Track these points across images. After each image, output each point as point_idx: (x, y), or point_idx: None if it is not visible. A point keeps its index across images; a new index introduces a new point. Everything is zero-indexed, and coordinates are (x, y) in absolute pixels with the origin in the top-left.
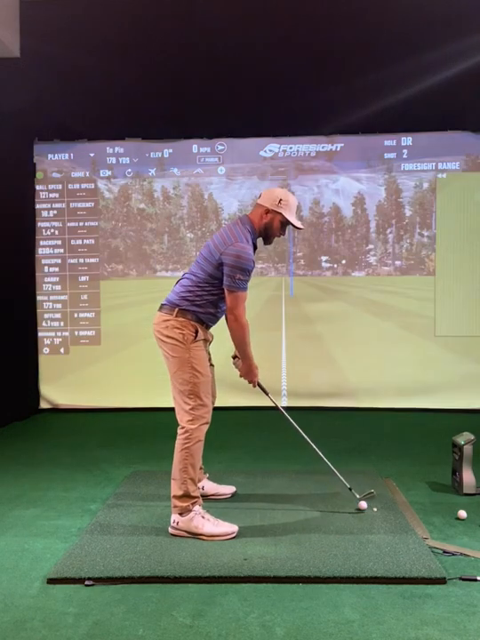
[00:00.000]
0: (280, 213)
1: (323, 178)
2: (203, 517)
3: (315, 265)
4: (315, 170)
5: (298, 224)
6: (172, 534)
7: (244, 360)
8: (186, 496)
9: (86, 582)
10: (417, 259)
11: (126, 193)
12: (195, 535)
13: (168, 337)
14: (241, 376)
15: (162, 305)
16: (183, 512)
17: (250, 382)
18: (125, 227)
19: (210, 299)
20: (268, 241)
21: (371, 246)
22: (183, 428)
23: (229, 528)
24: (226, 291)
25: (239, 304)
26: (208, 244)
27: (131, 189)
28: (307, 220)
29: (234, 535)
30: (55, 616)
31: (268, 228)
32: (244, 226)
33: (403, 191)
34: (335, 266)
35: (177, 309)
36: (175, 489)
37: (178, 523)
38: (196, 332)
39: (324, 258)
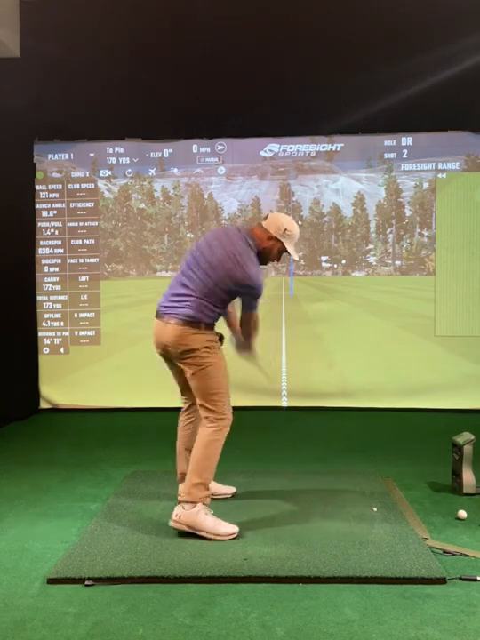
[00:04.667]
0: (281, 242)
1: (323, 178)
2: (206, 514)
3: (315, 265)
4: (315, 170)
5: (296, 257)
6: (174, 527)
7: (247, 346)
8: (204, 485)
9: (86, 582)
10: (417, 258)
11: (126, 193)
12: (196, 530)
13: (198, 348)
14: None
15: (174, 317)
16: (194, 502)
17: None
18: (125, 226)
19: (212, 307)
20: (262, 262)
21: (371, 246)
22: (214, 423)
23: (230, 528)
24: (246, 312)
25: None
26: (209, 260)
27: (131, 189)
28: (306, 220)
29: (234, 536)
30: (55, 616)
31: (268, 252)
32: (248, 245)
33: (403, 191)
34: (335, 266)
35: (196, 321)
36: (194, 477)
37: (180, 516)
38: (219, 337)
39: (323, 258)
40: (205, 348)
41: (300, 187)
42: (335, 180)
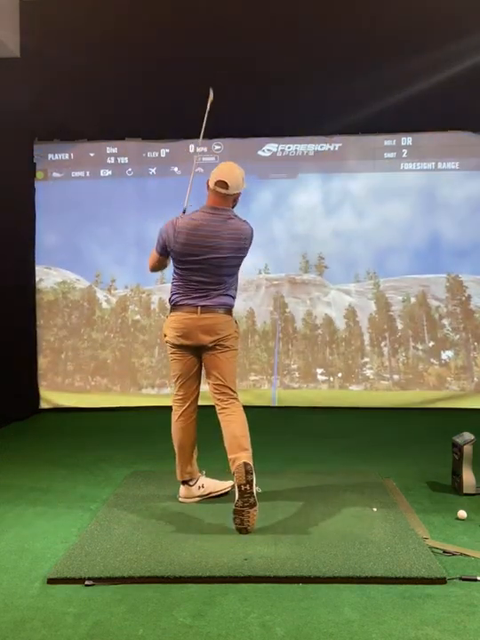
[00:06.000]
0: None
1: (323, 178)
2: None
3: (310, 377)
4: (313, 170)
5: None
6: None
7: None
8: None
9: (86, 582)
10: (414, 372)
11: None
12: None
13: (234, 333)
14: None
15: (212, 308)
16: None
17: None
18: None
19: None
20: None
21: (366, 359)
22: (238, 401)
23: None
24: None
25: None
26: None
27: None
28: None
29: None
30: (55, 616)
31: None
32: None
33: (392, 305)
34: (331, 379)
35: (230, 309)
36: (249, 447)
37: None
38: None
39: (319, 370)
40: (236, 331)
41: (299, 186)
42: (334, 179)
